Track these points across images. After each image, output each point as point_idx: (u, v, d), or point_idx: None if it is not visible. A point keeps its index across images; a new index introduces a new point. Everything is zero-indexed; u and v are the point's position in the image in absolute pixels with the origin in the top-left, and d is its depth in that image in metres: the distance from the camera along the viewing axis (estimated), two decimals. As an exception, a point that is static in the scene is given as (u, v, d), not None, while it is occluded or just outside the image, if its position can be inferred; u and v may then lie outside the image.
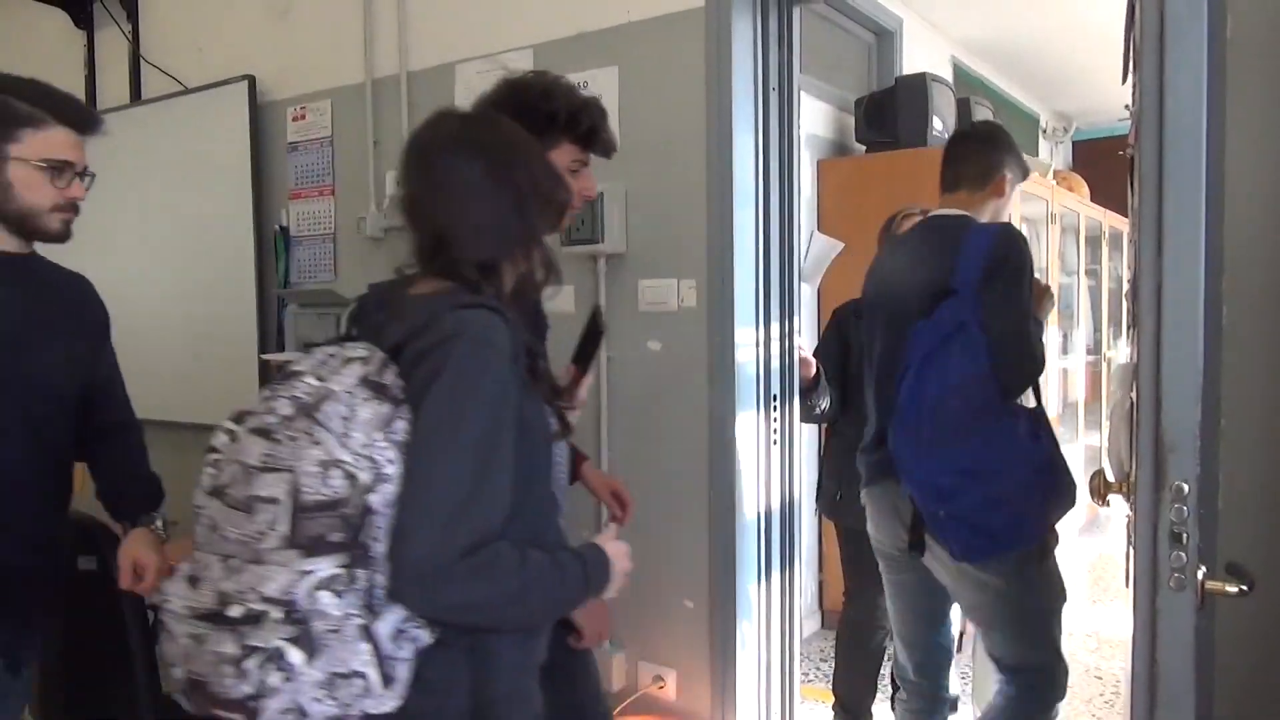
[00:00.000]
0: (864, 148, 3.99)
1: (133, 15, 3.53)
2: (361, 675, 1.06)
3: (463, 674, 1.16)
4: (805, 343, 3.70)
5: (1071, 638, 2.41)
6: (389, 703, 1.09)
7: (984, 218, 2.05)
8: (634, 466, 2.53)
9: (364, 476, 1.06)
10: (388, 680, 1.08)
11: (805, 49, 4.02)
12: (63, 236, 1.59)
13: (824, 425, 2.87)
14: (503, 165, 1.24)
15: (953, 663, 2.26)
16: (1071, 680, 2.98)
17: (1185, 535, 1.20)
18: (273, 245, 3.18)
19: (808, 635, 3.84)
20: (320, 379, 1.10)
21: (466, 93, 2.78)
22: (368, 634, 1.07)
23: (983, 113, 4.25)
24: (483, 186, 1.22)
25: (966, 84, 5.41)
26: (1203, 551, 1.24)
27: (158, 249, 3.40)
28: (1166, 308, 1.20)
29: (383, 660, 1.08)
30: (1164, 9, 1.19)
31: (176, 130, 3.32)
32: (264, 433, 1.07)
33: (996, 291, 1.87)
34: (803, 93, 3.81)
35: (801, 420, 2.56)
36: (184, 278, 3.32)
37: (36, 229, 1.57)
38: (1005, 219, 2.12)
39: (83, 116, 1.59)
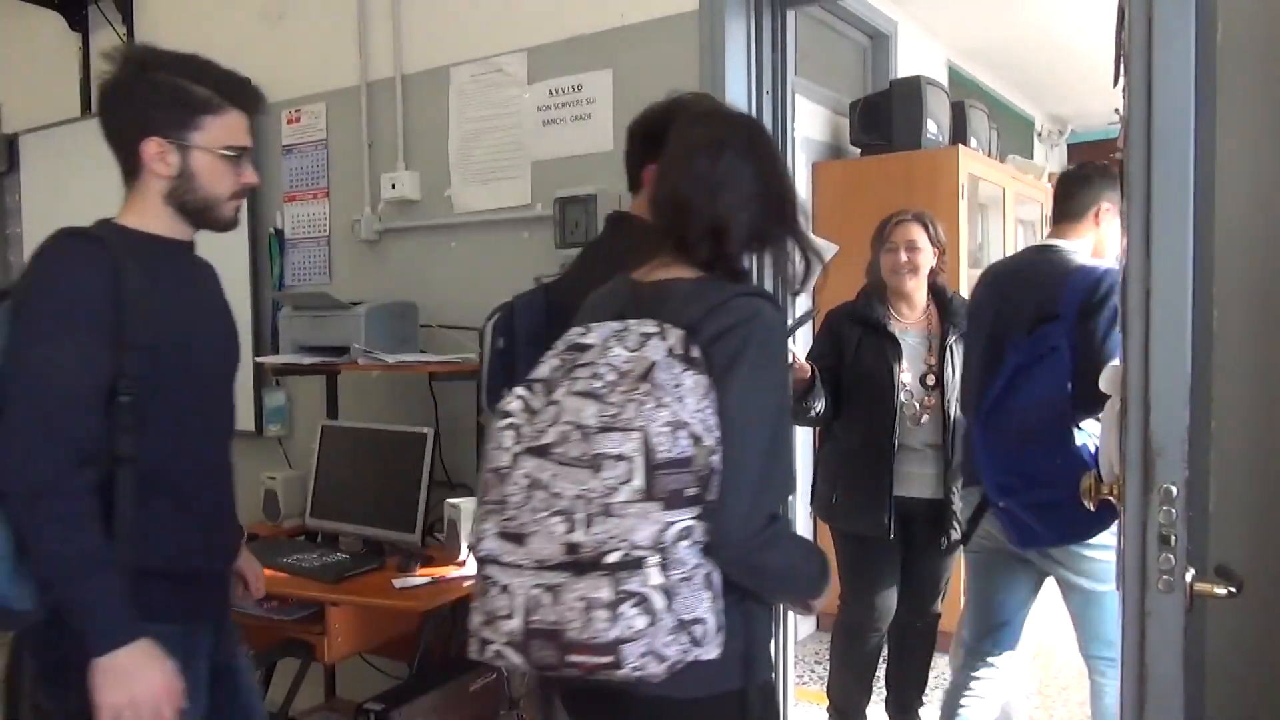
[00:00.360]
0: (859, 150, 4.00)
1: (128, 18, 3.53)
2: (702, 621, 1.18)
3: (739, 623, 1.26)
4: (800, 347, 3.72)
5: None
6: (714, 650, 1.20)
7: (1087, 247, 2.29)
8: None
9: (708, 439, 1.18)
10: (719, 627, 1.20)
11: (800, 52, 4.05)
12: (234, 224, 1.56)
13: (817, 428, 2.88)
14: (770, 170, 1.36)
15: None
16: (1065, 682, 2.99)
17: (1173, 537, 1.21)
18: (267, 248, 3.18)
19: (803, 638, 3.85)
20: (630, 349, 1.21)
21: (460, 96, 2.79)
22: (710, 582, 1.19)
23: (977, 116, 4.26)
24: (755, 187, 1.33)
25: (962, 87, 5.42)
26: (1191, 553, 1.25)
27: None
28: (1155, 311, 1.21)
29: (717, 608, 1.20)
30: (1151, 15, 1.20)
31: (171, 133, 3.32)
32: (592, 395, 1.18)
33: (1092, 324, 2.08)
34: (798, 95, 3.83)
35: (796, 423, 2.57)
36: (179, 280, 3.32)
37: (215, 218, 1.51)
38: (1109, 244, 2.30)
39: (253, 97, 1.54)
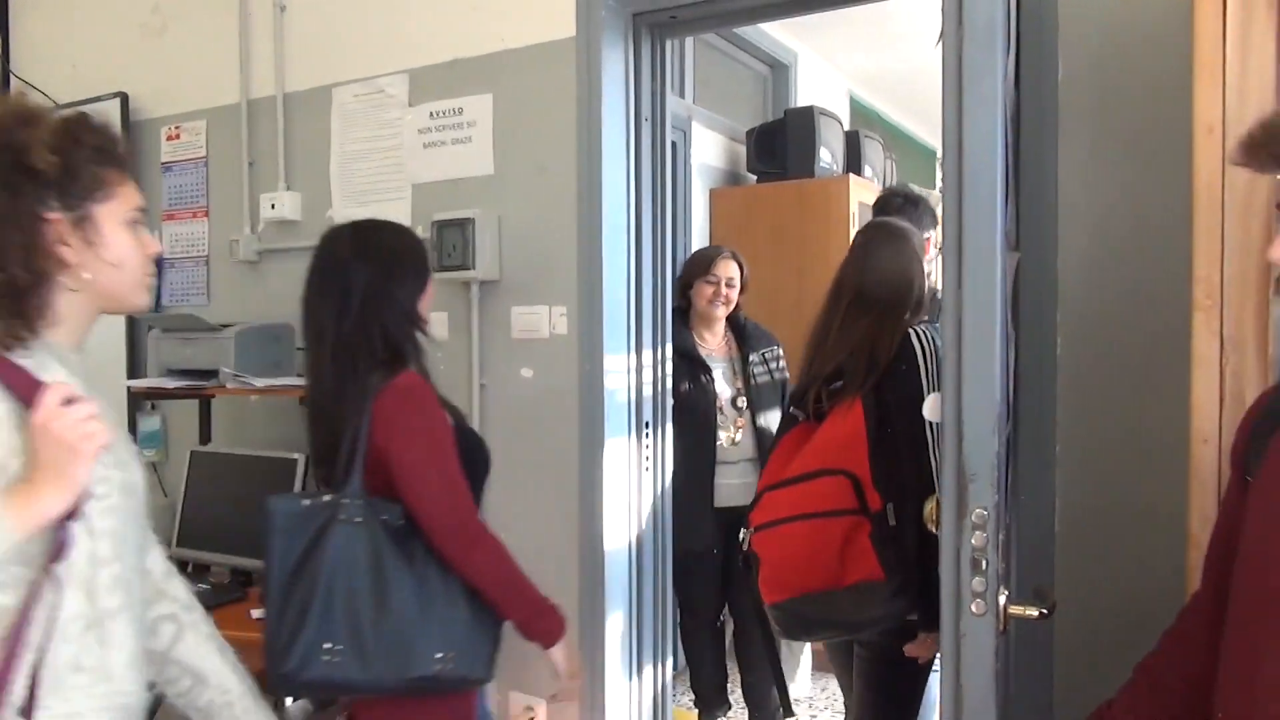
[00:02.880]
0: (755, 177, 4.06)
1: (3, 29, 3.41)
2: None
3: None
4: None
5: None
6: None
7: None
8: (505, 494, 2.50)
9: None
10: None
11: (700, 81, 4.11)
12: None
13: None
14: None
15: None
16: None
17: (985, 561, 1.24)
18: (144, 267, 3.08)
19: (683, 662, 3.84)
20: None
21: (342, 116, 2.76)
22: None
23: (872, 146, 4.37)
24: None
25: (863, 117, 5.56)
26: (1004, 576, 1.28)
27: (24, 269, 3.27)
28: (966, 343, 1.25)
29: None
30: (961, 54, 1.24)
31: (45, 147, 3.21)
32: None
33: None
34: (696, 123, 3.89)
35: None
36: (51, 300, 3.20)
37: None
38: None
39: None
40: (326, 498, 1.61)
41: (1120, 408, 1.77)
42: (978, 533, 1.24)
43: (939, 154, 6.61)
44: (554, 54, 2.42)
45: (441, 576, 1.62)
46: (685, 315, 2.98)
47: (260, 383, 2.44)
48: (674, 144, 3.65)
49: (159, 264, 3.06)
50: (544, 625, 1.75)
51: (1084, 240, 1.82)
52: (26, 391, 1.11)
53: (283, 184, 2.84)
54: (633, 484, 2.45)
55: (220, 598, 2.26)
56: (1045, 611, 1.29)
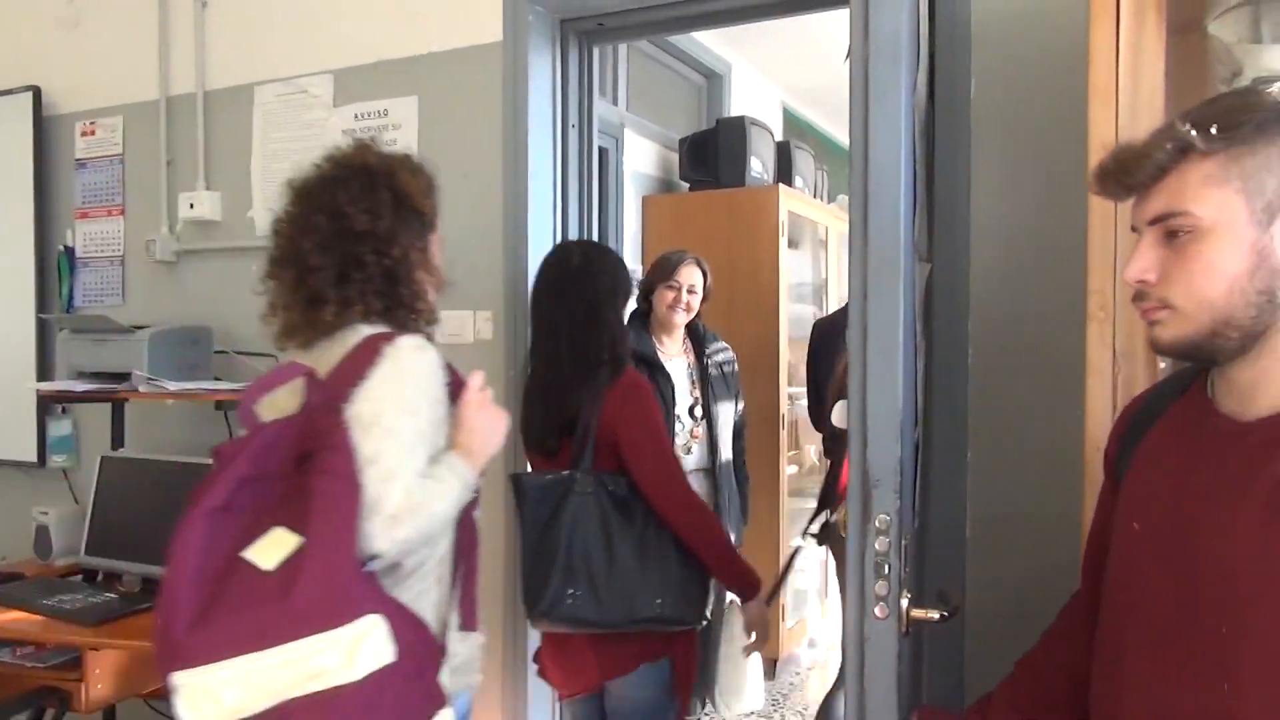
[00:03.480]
0: (687, 185, 4.09)
1: (-91, 16, 3.27)
2: None
3: None
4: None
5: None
6: None
7: None
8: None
9: None
10: None
11: (634, 89, 4.13)
12: None
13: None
14: None
15: None
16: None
17: (888, 565, 1.27)
18: (56, 266, 2.99)
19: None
20: None
21: (265, 115, 2.71)
22: None
23: (803, 157, 4.44)
24: None
25: (796, 128, 5.64)
26: (907, 580, 1.31)
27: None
28: (871, 351, 1.27)
29: None
30: (868, 70, 1.27)
31: (-48, 141, 3.09)
32: None
33: None
34: (629, 130, 3.91)
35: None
36: (-44, 299, 3.08)
37: None
38: None
39: None
40: (564, 473, 1.95)
41: (1027, 415, 1.82)
42: (881, 538, 1.27)
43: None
44: (481, 58, 2.41)
45: (657, 536, 1.93)
46: (646, 320, 2.90)
47: (175, 386, 2.38)
48: (606, 151, 3.68)
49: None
50: (743, 580, 2.02)
51: (995, 252, 1.87)
52: (454, 375, 1.47)
53: (202, 183, 2.78)
54: (557, 490, 2.44)
55: (129, 607, 2.20)
56: (947, 614, 1.32)
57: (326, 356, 1.45)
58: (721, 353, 3.01)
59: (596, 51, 2.53)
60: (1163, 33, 1.27)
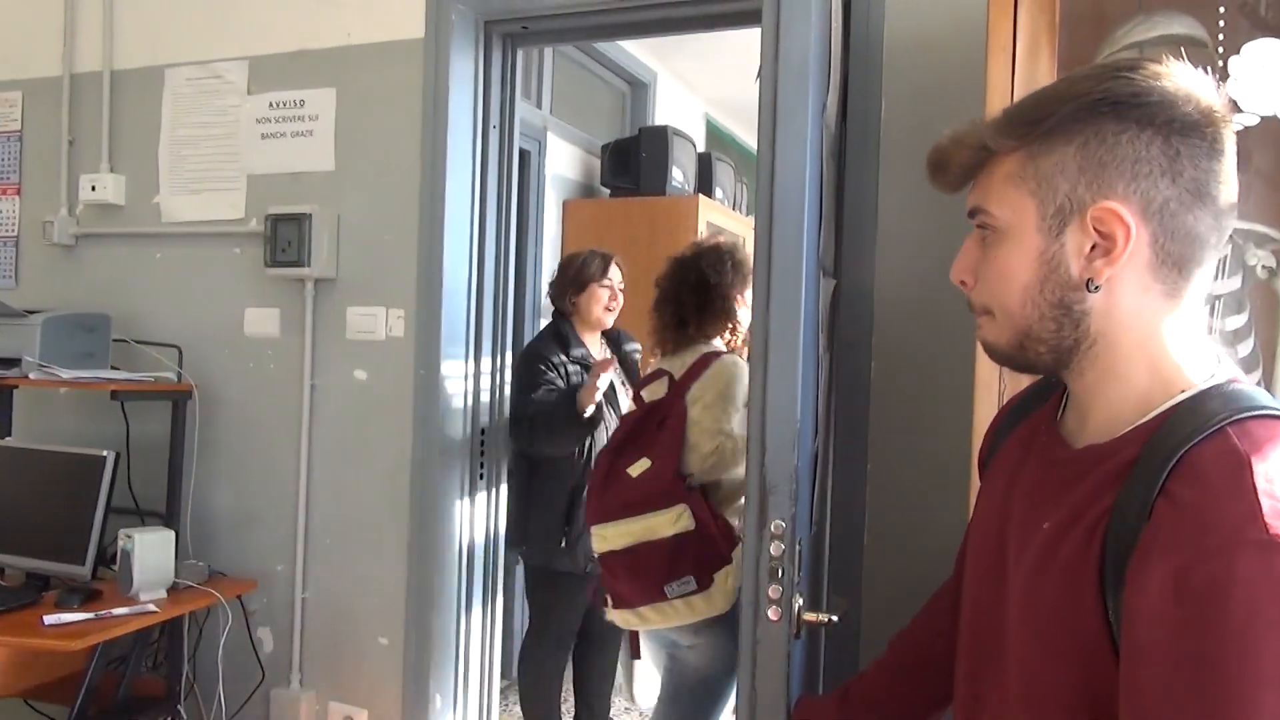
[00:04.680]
0: (609, 191, 4.12)
1: None
2: None
3: None
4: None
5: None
6: None
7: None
8: (334, 497, 2.45)
9: None
10: None
11: (558, 93, 4.13)
12: None
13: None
14: None
15: None
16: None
17: (781, 570, 1.31)
18: (-57, 246, 2.85)
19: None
20: None
21: (175, 99, 2.64)
22: None
23: (723, 168, 4.50)
24: None
25: (718, 139, 5.72)
26: (800, 584, 1.35)
27: None
28: (771, 363, 1.31)
29: None
30: (776, 91, 1.31)
31: None
32: None
33: None
34: (552, 134, 3.91)
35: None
36: None
37: None
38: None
39: None
40: None
41: (925, 426, 1.89)
42: (776, 542, 1.31)
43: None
44: (402, 53, 2.39)
45: None
46: (567, 320, 2.87)
47: (68, 374, 2.29)
48: (528, 153, 3.67)
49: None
50: None
51: (899, 269, 1.94)
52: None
53: (106, 165, 2.68)
54: (466, 491, 2.44)
55: (13, 601, 2.11)
56: (836, 618, 1.37)
57: (680, 363, 2.34)
58: (632, 345, 3.05)
59: (520, 54, 2.53)
60: (1054, 68, 1.35)
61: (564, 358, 2.79)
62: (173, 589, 2.26)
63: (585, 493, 2.48)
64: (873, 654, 1.90)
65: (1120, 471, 0.77)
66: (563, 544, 2.70)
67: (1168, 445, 0.74)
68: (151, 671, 2.48)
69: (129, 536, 2.17)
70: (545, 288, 3.19)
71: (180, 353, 2.55)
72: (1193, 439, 0.74)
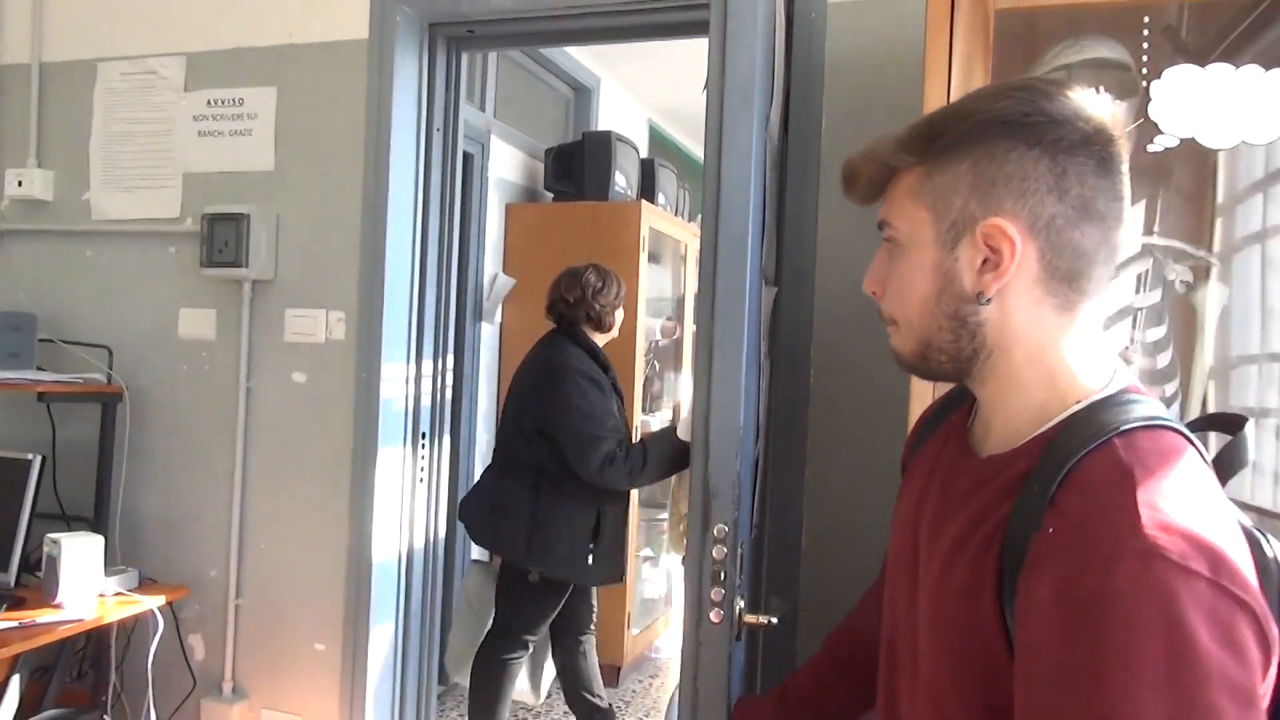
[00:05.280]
0: (551, 196, 4.12)
1: None
2: None
3: None
4: (485, 379, 3.75)
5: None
6: None
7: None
8: (270, 502, 2.42)
9: None
10: None
11: (502, 96, 4.12)
12: None
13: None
14: None
15: None
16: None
17: (723, 573, 1.33)
18: None
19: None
20: None
21: (108, 94, 2.57)
22: None
23: (666, 175, 4.53)
24: None
25: (661, 146, 5.75)
26: (741, 587, 1.38)
27: None
28: (715, 370, 1.33)
29: None
30: (723, 104, 1.34)
31: None
32: None
33: None
34: (495, 137, 3.90)
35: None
36: None
37: None
38: None
39: None
40: None
41: (862, 434, 1.94)
42: (719, 546, 1.33)
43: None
44: (345, 54, 2.37)
45: None
46: (582, 333, 2.76)
47: (-9, 375, 2.22)
48: (471, 156, 3.66)
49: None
50: None
51: (839, 278, 1.99)
52: None
53: (33, 160, 2.61)
54: (405, 495, 2.42)
55: (-73, 612, 2.03)
56: (776, 620, 1.40)
57: None
58: None
59: (465, 57, 2.53)
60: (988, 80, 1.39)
61: (600, 370, 2.69)
62: (101, 596, 2.20)
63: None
64: (809, 654, 1.95)
65: (1016, 482, 0.79)
66: (589, 560, 2.62)
67: (1059, 457, 0.76)
68: (77, 681, 2.41)
69: (55, 542, 2.11)
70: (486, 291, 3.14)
71: (110, 354, 2.49)
72: (1081, 450, 0.75)
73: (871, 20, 1.94)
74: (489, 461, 2.79)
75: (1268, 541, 0.80)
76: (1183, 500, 0.70)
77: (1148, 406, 0.79)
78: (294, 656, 2.39)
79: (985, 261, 0.81)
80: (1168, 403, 1.40)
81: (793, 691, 1.25)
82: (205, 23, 2.48)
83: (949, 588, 0.82)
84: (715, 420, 1.33)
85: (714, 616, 1.34)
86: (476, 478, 3.26)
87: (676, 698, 1.99)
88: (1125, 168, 0.82)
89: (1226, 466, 0.85)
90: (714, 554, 1.33)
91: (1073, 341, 0.83)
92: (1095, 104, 0.81)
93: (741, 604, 1.37)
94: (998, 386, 0.86)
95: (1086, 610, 0.68)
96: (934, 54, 1.40)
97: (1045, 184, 0.79)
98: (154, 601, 2.25)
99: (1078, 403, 0.81)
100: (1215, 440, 0.98)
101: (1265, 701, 0.69)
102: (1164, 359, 1.40)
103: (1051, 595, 0.70)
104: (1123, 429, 0.76)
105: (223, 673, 2.42)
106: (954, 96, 1.42)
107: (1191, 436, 0.78)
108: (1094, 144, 0.79)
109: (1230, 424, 0.89)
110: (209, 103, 2.48)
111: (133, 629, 2.41)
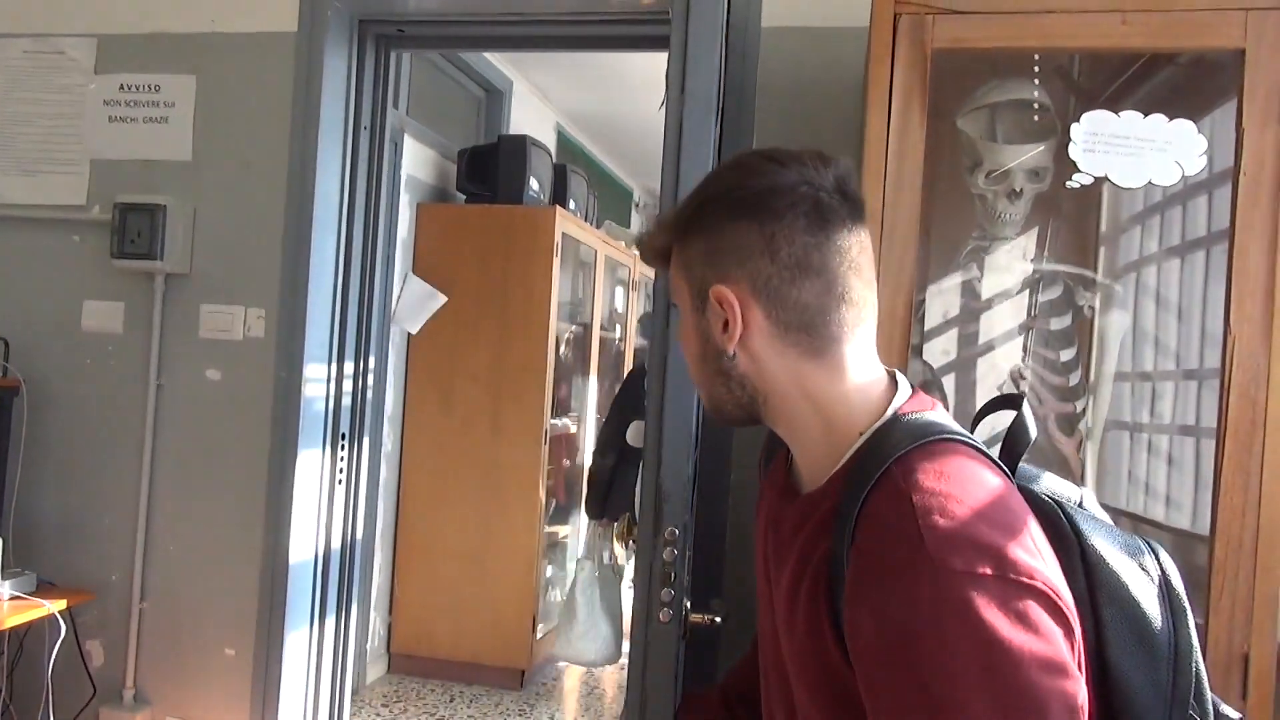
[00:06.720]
0: (464, 197, 4.10)
1: None
2: None
3: None
4: (393, 381, 3.69)
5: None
6: None
7: None
8: (180, 502, 2.34)
9: None
10: None
11: (415, 96, 4.08)
12: None
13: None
14: None
15: None
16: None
17: (674, 574, 1.38)
18: None
19: (373, 680, 3.77)
20: None
21: (8, 72, 2.44)
22: None
23: (577, 181, 4.57)
24: None
25: (569, 151, 5.78)
26: (688, 588, 1.43)
27: None
28: (670, 374, 1.39)
29: None
30: (683, 121, 1.39)
31: None
32: None
33: None
34: (408, 136, 3.86)
35: None
36: None
37: None
38: None
39: None
40: None
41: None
42: (669, 548, 1.38)
43: (635, 196, 7.00)
44: (270, 46, 2.33)
45: None
46: None
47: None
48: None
49: None
50: None
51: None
52: None
53: (-79, 138, 2.45)
54: (324, 497, 2.38)
55: None
56: (720, 619, 1.46)
57: None
58: None
59: (394, 57, 2.51)
60: (924, 121, 1.49)
61: None
62: (-6, 601, 2.09)
63: None
64: (730, 653, 2.02)
65: (827, 520, 0.85)
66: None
67: (854, 493, 0.82)
68: (-42, 692, 2.28)
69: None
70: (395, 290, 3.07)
71: (6, 345, 2.36)
72: (869, 482, 0.81)
73: (802, 47, 2.03)
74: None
75: (1070, 508, 0.87)
76: (960, 508, 0.77)
77: (923, 421, 0.86)
78: (202, 662, 2.31)
79: (726, 323, 0.89)
80: (1077, 418, 1.53)
81: (732, 685, 1.31)
82: (121, 5, 2.39)
83: (796, 629, 0.87)
84: (669, 426, 1.38)
85: (663, 616, 1.39)
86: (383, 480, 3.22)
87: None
88: (837, 219, 0.88)
89: (1014, 444, 0.90)
90: (664, 556, 1.38)
91: (834, 381, 0.89)
92: (808, 169, 0.88)
93: (688, 604, 1.42)
94: (786, 428, 0.93)
95: (902, 636, 0.74)
96: (875, 87, 1.49)
97: (758, 249, 0.88)
98: (53, 606, 2.14)
99: (860, 435, 0.87)
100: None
101: (1080, 658, 0.77)
102: (1074, 378, 1.52)
103: (869, 626, 0.76)
104: (898, 453, 0.82)
105: (124, 680, 2.32)
106: (893, 127, 1.50)
107: (966, 436, 0.85)
108: (798, 207, 0.87)
109: (1013, 403, 0.95)
110: (122, 87, 2.38)
111: (25, 635, 2.29)
